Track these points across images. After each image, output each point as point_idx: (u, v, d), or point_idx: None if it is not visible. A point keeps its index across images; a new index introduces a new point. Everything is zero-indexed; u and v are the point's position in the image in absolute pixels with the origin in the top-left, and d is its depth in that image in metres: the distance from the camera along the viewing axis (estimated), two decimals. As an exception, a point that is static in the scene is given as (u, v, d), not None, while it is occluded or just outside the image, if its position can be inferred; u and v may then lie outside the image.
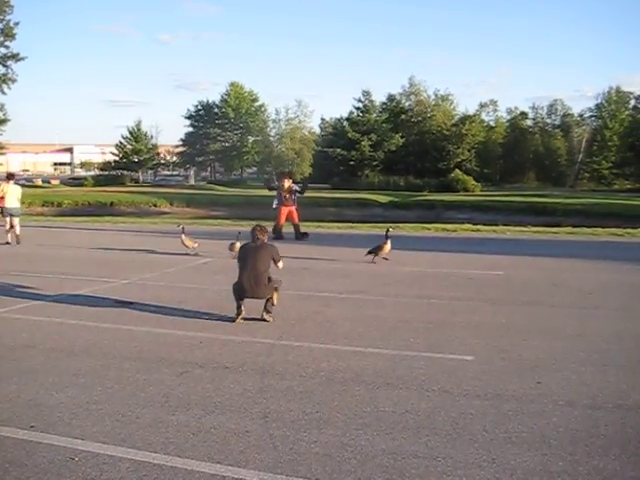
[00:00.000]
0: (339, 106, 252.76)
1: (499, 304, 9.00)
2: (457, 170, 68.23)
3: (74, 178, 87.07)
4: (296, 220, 17.40)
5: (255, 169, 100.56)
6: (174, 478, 3.86)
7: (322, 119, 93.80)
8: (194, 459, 4.10)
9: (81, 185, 70.38)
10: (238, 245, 11.98)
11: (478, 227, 20.91)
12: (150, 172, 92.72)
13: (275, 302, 7.95)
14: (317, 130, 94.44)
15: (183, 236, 13.64)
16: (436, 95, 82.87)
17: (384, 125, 75.50)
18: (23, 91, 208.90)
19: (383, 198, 49.86)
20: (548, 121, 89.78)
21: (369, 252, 12.69)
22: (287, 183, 17.23)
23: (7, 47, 60.19)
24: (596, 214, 35.02)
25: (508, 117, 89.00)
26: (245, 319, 7.77)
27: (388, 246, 12.54)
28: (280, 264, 8.14)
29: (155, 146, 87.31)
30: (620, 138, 76.83)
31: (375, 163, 73.89)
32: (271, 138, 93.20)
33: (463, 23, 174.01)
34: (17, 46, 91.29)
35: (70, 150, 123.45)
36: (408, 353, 6.52)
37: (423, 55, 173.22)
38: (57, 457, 4.13)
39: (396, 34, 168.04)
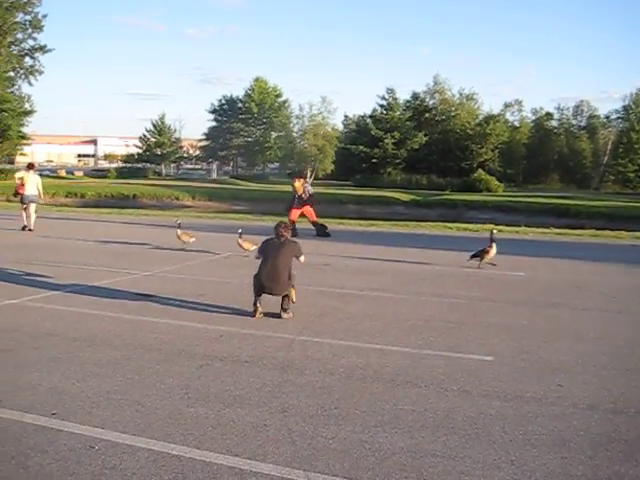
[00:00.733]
0: (363, 103, 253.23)
1: (520, 305, 8.93)
2: (480, 170, 67.78)
3: (97, 170, 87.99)
4: (314, 217, 17.39)
5: (277, 165, 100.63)
6: (192, 469, 3.88)
7: (345, 116, 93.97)
8: (212, 451, 4.12)
9: (104, 177, 71.08)
10: (241, 242, 12.05)
11: (500, 227, 20.74)
12: (173, 165, 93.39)
13: (294, 299, 7.96)
14: (340, 127, 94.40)
15: (178, 231, 13.57)
16: (461, 94, 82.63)
17: (408, 123, 75.31)
18: (49, 82, 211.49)
19: (405, 196, 49.72)
20: (573, 122, 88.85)
21: (473, 256, 11.69)
22: (297, 183, 17.21)
23: (35, 39, 60.84)
24: (620, 217, 34.61)
25: (533, 117, 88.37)
26: (265, 314, 7.79)
27: (494, 250, 11.50)
28: (302, 258, 8.15)
29: (178, 140, 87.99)
30: (647, 141, 75.87)
31: (398, 161, 73.74)
32: (294, 134, 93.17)
33: (489, 21, 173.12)
34: (44, 38, 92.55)
35: (94, 142, 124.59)
36: (428, 352, 6.49)
37: (448, 53, 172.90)
38: (77, 445, 4.17)
39: (421, 32, 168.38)
